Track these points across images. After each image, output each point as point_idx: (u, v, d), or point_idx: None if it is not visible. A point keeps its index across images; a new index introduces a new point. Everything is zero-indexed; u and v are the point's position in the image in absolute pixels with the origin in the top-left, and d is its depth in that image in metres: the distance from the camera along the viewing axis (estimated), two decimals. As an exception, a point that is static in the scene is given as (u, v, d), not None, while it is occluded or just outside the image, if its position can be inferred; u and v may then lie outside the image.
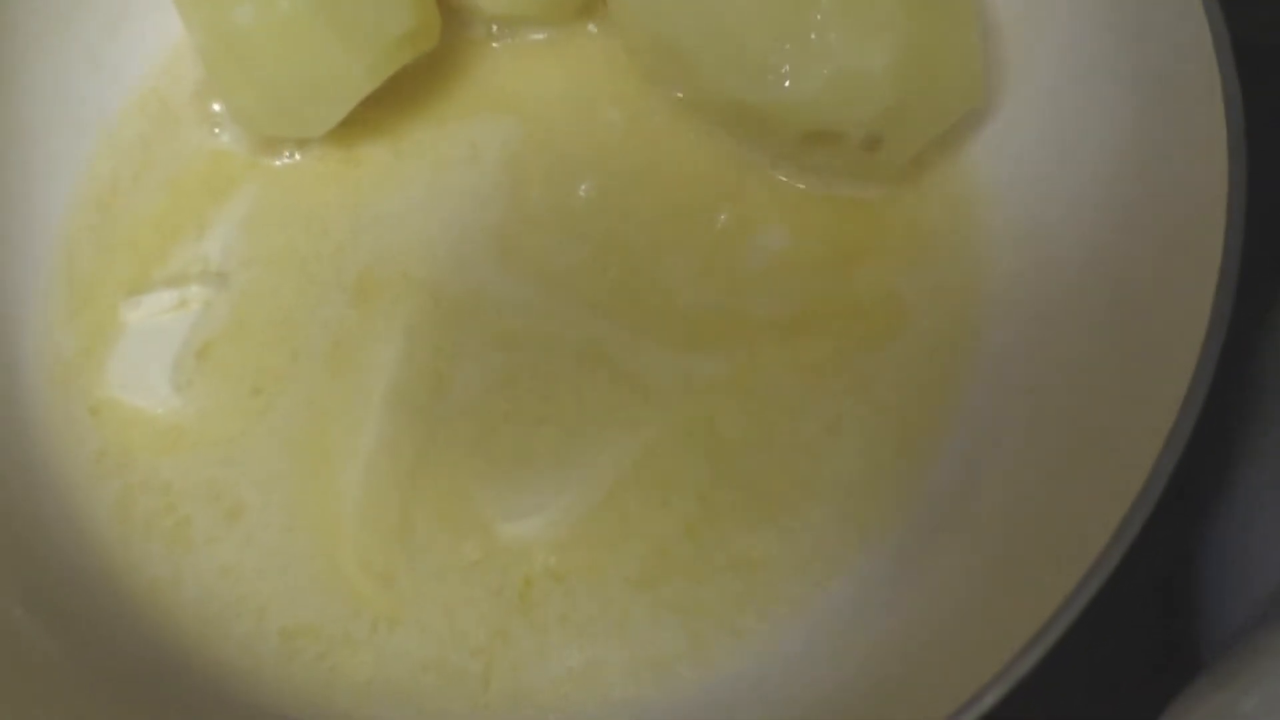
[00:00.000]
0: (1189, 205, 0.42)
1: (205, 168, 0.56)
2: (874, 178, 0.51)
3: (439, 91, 0.56)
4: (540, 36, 0.56)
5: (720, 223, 0.52)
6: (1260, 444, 0.41)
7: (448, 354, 0.51)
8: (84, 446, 0.51)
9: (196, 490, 0.50)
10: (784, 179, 0.52)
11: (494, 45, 0.56)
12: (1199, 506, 0.43)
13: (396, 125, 0.55)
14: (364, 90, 0.52)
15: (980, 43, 0.49)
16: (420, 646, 0.46)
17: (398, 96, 0.55)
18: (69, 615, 0.47)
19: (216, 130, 0.56)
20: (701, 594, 0.46)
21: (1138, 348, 0.42)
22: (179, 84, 0.58)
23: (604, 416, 0.49)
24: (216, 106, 0.56)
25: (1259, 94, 0.41)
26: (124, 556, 0.49)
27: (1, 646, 0.45)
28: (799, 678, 0.44)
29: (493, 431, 0.49)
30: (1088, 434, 0.42)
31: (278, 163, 0.56)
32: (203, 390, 0.52)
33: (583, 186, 0.53)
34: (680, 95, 0.53)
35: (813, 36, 0.47)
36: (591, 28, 0.56)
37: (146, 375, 0.52)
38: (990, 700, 0.34)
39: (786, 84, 0.47)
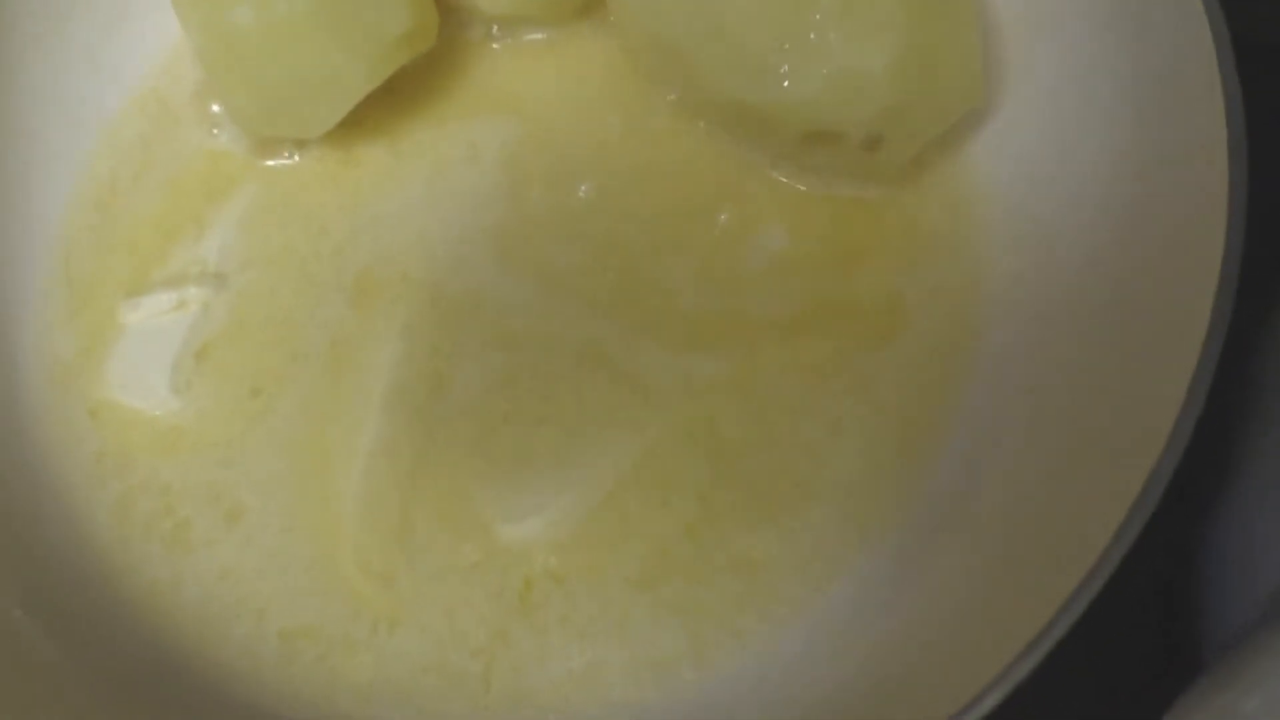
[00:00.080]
0: (1189, 205, 0.42)
1: (204, 168, 0.56)
2: (874, 178, 0.51)
3: (438, 92, 0.56)
4: (539, 37, 0.56)
5: (720, 223, 0.52)
6: (1261, 444, 0.41)
7: (447, 354, 0.51)
8: (83, 448, 0.51)
9: (196, 492, 0.50)
10: (784, 179, 0.52)
11: (493, 46, 0.56)
12: (1200, 507, 0.43)
13: (395, 126, 0.55)
14: (363, 91, 0.52)
15: (980, 43, 0.49)
16: (420, 648, 0.46)
17: (396, 97, 0.55)
18: (68, 617, 0.47)
19: (215, 131, 0.56)
20: (702, 595, 0.46)
21: (1138, 348, 0.42)
22: (178, 84, 0.58)
23: (604, 417, 0.49)
24: (215, 107, 0.56)
25: (1259, 93, 0.41)
26: (123, 558, 0.49)
27: (1, 647, 0.45)
28: (799, 679, 0.44)
29: (492, 432, 0.49)
30: (1088, 434, 0.42)
31: (276, 163, 0.56)
32: (202, 391, 0.52)
33: (582, 187, 0.53)
34: (680, 95, 0.53)
35: (812, 36, 0.47)
36: (591, 28, 0.56)
37: (146, 376, 0.52)
38: (992, 702, 0.34)
39: (786, 84, 0.47)
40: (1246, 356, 0.43)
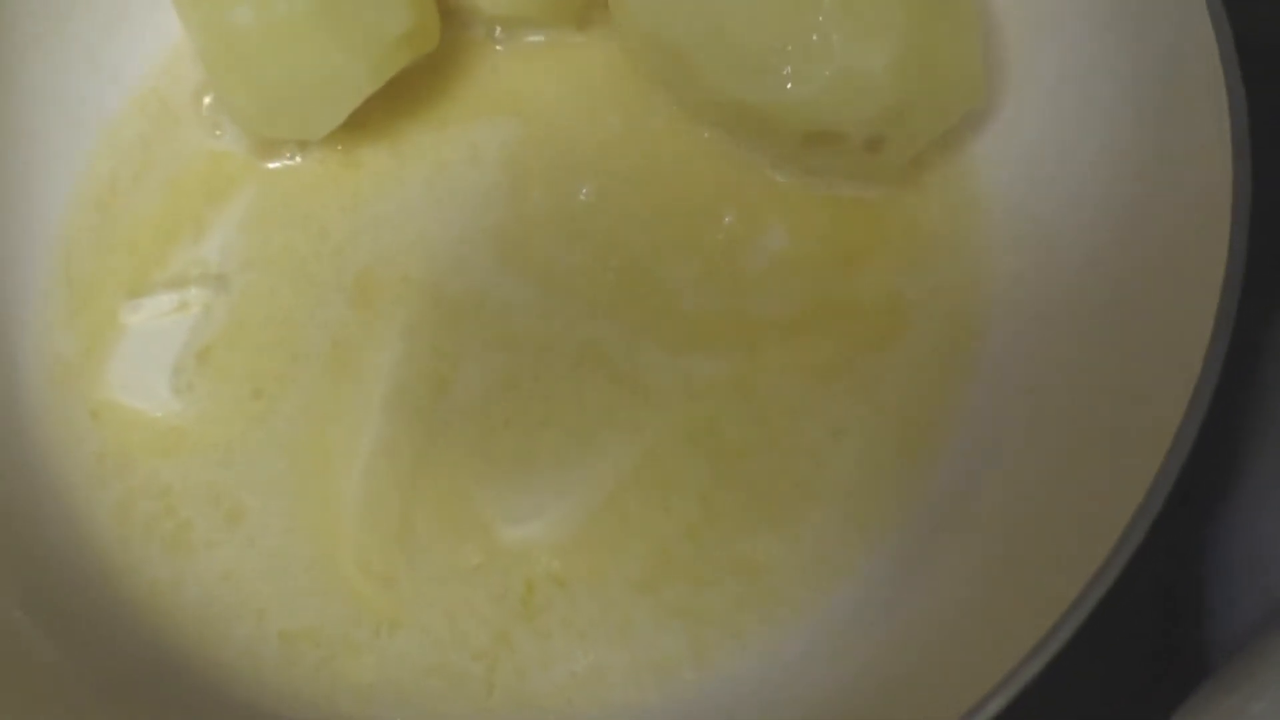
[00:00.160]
0: (1191, 205, 0.42)
1: (205, 169, 0.56)
2: (875, 178, 0.51)
3: (439, 93, 0.56)
4: (540, 38, 0.56)
5: (721, 224, 0.52)
6: (1265, 445, 0.41)
7: (448, 356, 0.51)
8: (84, 448, 0.51)
9: (196, 493, 0.50)
10: (785, 180, 0.52)
11: (495, 47, 0.56)
12: (1203, 508, 0.43)
13: (397, 127, 0.55)
14: (364, 92, 0.52)
15: (981, 43, 0.49)
16: (422, 650, 0.46)
17: (398, 98, 0.54)
18: (69, 617, 0.47)
19: (216, 132, 0.56)
20: (703, 597, 0.46)
21: (1141, 348, 0.42)
22: (179, 84, 0.57)
23: (605, 418, 0.49)
24: (216, 108, 0.56)
25: (1262, 92, 0.41)
26: (124, 559, 0.49)
27: (1, 648, 0.45)
28: (801, 681, 0.44)
29: (493, 433, 0.49)
30: (1091, 436, 0.42)
31: (277, 164, 0.55)
32: (203, 393, 0.51)
33: (583, 187, 0.53)
34: (681, 96, 0.53)
35: (814, 37, 0.46)
36: (592, 29, 0.56)
37: (147, 377, 0.52)
38: (995, 706, 0.34)
39: (788, 85, 0.47)
40: (1249, 357, 0.42)
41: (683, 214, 0.53)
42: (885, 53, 0.46)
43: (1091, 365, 0.44)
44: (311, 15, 0.50)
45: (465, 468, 0.49)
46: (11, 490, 0.50)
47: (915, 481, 0.47)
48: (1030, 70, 0.50)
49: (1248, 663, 0.34)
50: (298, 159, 0.55)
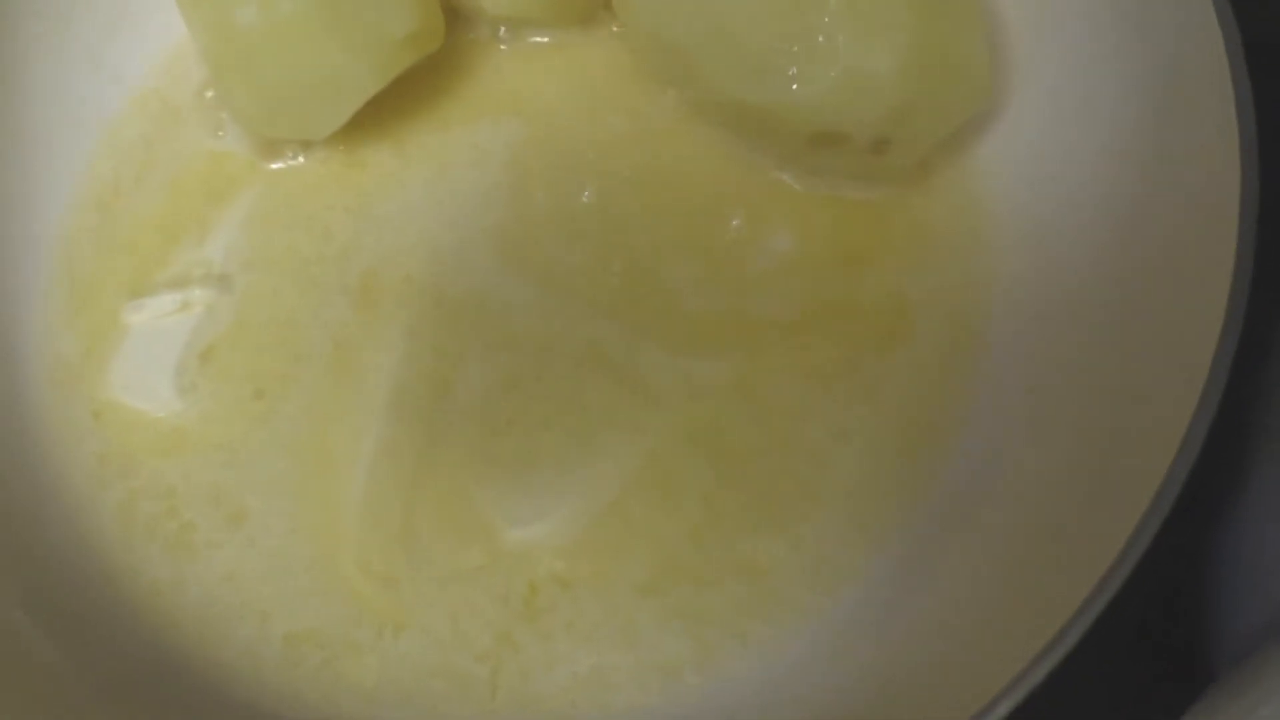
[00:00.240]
0: (1197, 204, 0.42)
1: (207, 169, 0.56)
2: (880, 179, 0.51)
3: (443, 94, 0.55)
4: (544, 39, 0.56)
5: (724, 224, 0.52)
6: (1272, 447, 0.41)
7: (451, 357, 0.51)
8: (86, 449, 0.51)
9: (199, 494, 0.50)
10: (789, 181, 0.52)
11: (499, 47, 0.56)
12: (1209, 510, 0.43)
13: (400, 128, 0.55)
14: (368, 92, 0.52)
15: (987, 44, 0.49)
16: (425, 652, 0.46)
17: (402, 99, 0.54)
18: (70, 619, 0.47)
19: (219, 132, 0.56)
20: (706, 599, 0.46)
21: (1147, 349, 0.42)
22: (181, 84, 0.57)
23: (608, 420, 0.49)
24: (219, 108, 0.56)
25: (1269, 92, 0.41)
26: (126, 560, 0.49)
27: (3, 650, 0.44)
28: (805, 684, 0.44)
29: (495, 434, 0.49)
30: (1097, 437, 0.42)
31: (280, 165, 0.55)
32: (205, 393, 0.51)
33: (586, 188, 0.53)
34: (685, 97, 0.53)
35: (820, 38, 0.46)
36: (596, 30, 0.56)
37: (149, 378, 0.52)
38: (1002, 710, 0.34)
39: (794, 86, 0.47)
40: (1256, 357, 0.42)
41: (686, 214, 0.52)
42: (891, 54, 0.46)
43: (1097, 366, 0.44)
44: (315, 15, 0.50)
45: (467, 469, 0.49)
46: (13, 491, 0.49)
47: (918, 483, 0.47)
48: (1034, 71, 0.50)
49: (1254, 667, 0.34)
50: (301, 159, 0.55)
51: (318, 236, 0.54)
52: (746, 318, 0.50)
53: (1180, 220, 0.43)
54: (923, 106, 0.48)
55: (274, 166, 0.55)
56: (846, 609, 0.45)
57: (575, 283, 0.52)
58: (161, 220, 0.55)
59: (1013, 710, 0.35)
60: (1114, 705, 0.44)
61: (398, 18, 0.51)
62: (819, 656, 0.45)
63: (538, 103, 0.55)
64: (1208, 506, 0.43)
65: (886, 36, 0.46)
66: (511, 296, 0.52)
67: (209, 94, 0.56)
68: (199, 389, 0.51)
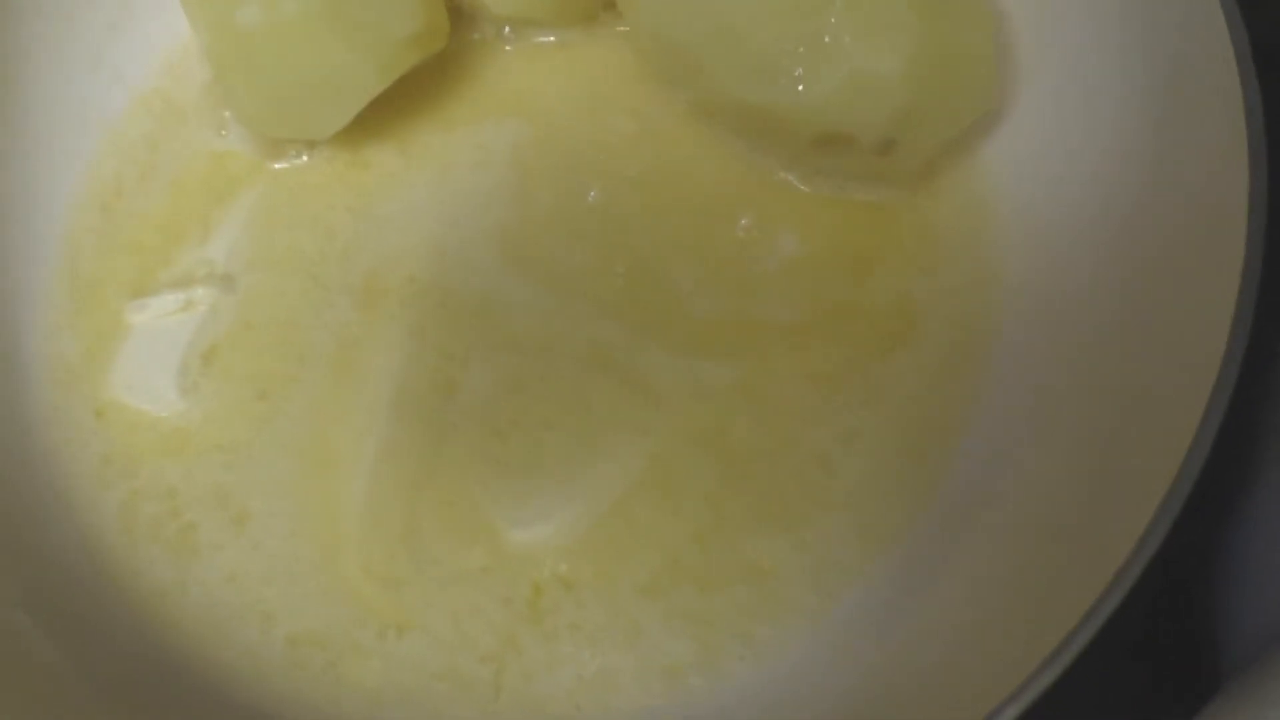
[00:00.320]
0: (1204, 206, 0.42)
1: (210, 169, 0.56)
2: (886, 181, 0.51)
3: (447, 94, 0.55)
4: (549, 38, 0.56)
5: (730, 226, 0.52)
6: (1280, 448, 0.41)
7: (454, 358, 0.51)
8: (88, 450, 0.51)
9: (202, 495, 0.50)
10: (795, 182, 0.52)
11: (504, 48, 0.56)
12: (1216, 512, 0.42)
13: (405, 128, 0.55)
14: (372, 92, 0.52)
15: (993, 45, 0.48)
16: (429, 654, 0.46)
17: (406, 99, 0.54)
18: (72, 620, 0.47)
19: (222, 131, 0.56)
20: (711, 602, 0.46)
21: (1155, 351, 0.42)
22: (184, 84, 0.57)
23: (613, 422, 0.49)
24: (223, 107, 0.56)
25: (1271, 95, 0.41)
26: (128, 561, 0.49)
27: (5, 651, 0.44)
28: (810, 687, 0.44)
29: (499, 436, 0.49)
30: (1106, 439, 0.42)
31: (284, 165, 0.55)
32: (208, 394, 0.51)
33: (591, 189, 0.53)
34: (691, 98, 0.53)
35: (826, 39, 0.46)
36: (601, 30, 0.55)
37: (152, 378, 0.52)
38: (1007, 717, 0.34)
39: (800, 87, 0.47)
40: (1265, 358, 0.42)
41: (690, 215, 0.52)
42: (898, 55, 0.46)
43: (1103, 367, 0.44)
44: (319, 15, 0.50)
45: (471, 470, 0.49)
46: (16, 491, 0.49)
47: (924, 485, 0.47)
48: (1039, 72, 0.50)
49: (1263, 671, 0.34)
50: (304, 159, 0.55)
51: (321, 236, 0.54)
52: (751, 319, 0.50)
53: (1187, 220, 0.42)
54: (929, 108, 0.47)
55: (277, 166, 0.55)
56: (851, 611, 0.45)
57: (579, 283, 0.51)
58: (164, 220, 0.55)
59: (1018, 716, 0.34)
60: (1121, 710, 0.44)
61: (401, 17, 0.51)
62: (823, 659, 0.44)
63: (542, 103, 0.55)
64: (1215, 508, 0.42)
65: (893, 38, 0.46)
66: (515, 297, 0.52)
67: (212, 94, 0.56)
68: (201, 389, 0.51)
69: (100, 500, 0.50)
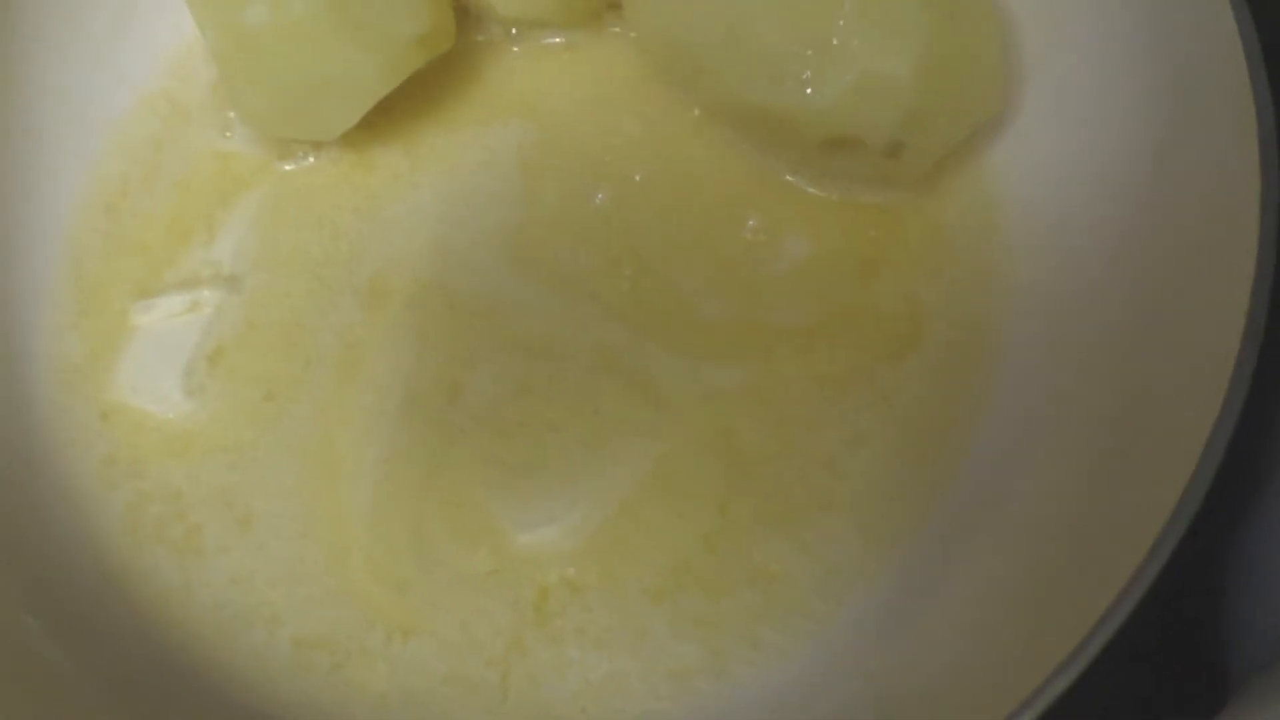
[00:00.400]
0: (1214, 207, 0.41)
1: (216, 170, 0.56)
2: (895, 184, 0.51)
3: (454, 95, 0.55)
4: (556, 40, 0.56)
5: (738, 228, 0.52)
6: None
7: (461, 360, 0.51)
8: (93, 451, 0.51)
9: (207, 497, 0.49)
10: (803, 185, 0.52)
11: (510, 49, 0.56)
12: (1228, 515, 0.42)
13: (411, 129, 0.55)
14: (379, 93, 0.52)
15: (1003, 48, 0.48)
16: (436, 657, 0.46)
17: (412, 100, 0.54)
18: (77, 621, 0.47)
19: (228, 133, 0.56)
20: (719, 606, 0.46)
21: (1167, 353, 0.42)
22: (190, 84, 0.57)
23: (619, 425, 0.49)
24: (228, 108, 0.56)
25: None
26: (134, 563, 0.49)
27: (9, 654, 0.44)
28: (818, 691, 0.44)
29: (506, 439, 0.49)
30: (1117, 442, 0.42)
31: (290, 165, 0.55)
32: (214, 395, 0.51)
33: (598, 191, 0.53)
34: (699, 100, 0.53)
35: (835, 42, 0.46)
36: (607, 31, 0.55)
37: (157, 379, 0.52)
38: (1021, 723, 0.34)
39: (808, 89, 0.47)
40: (1276, 358, 0.42)
41: (698, 218, 0.52)
42: (907, 58, 0.46)
43: (1114, 370, 0.44)
44: (326, 15, 0.49)
45: (477, 472, 0.49)
46: (20, 493, 0.49)
47: (934, 491, 0.47)
48: (1051, 74, 0.50)
49: (1273, 682, 0.34)
50: (311, 160, 0.55)
51: (327, 238, 0.54)
52: (759, 322, 0.50)
53: (1196, 222, 0.42)
54: (938, 111, 0.47)
55: (283, 167, 0.55)
56: (858, 615, 0.45)
57: (585, 285, 0.51)
58: (170, 221, 0.55)
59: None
60: (1129, 716, 0.44)
61: (408, 18, 0.51)
62: (831, 663, 0.44)
63: (548, 104, 0.55)
64: (1224, 510, 0.42)
65: (902, 41, 0.46)
66: (521, 299, 0.51)
67: (218, 94, 0.56)
68: (207, 390, 0.51)
69: (105, 501, 0.50)
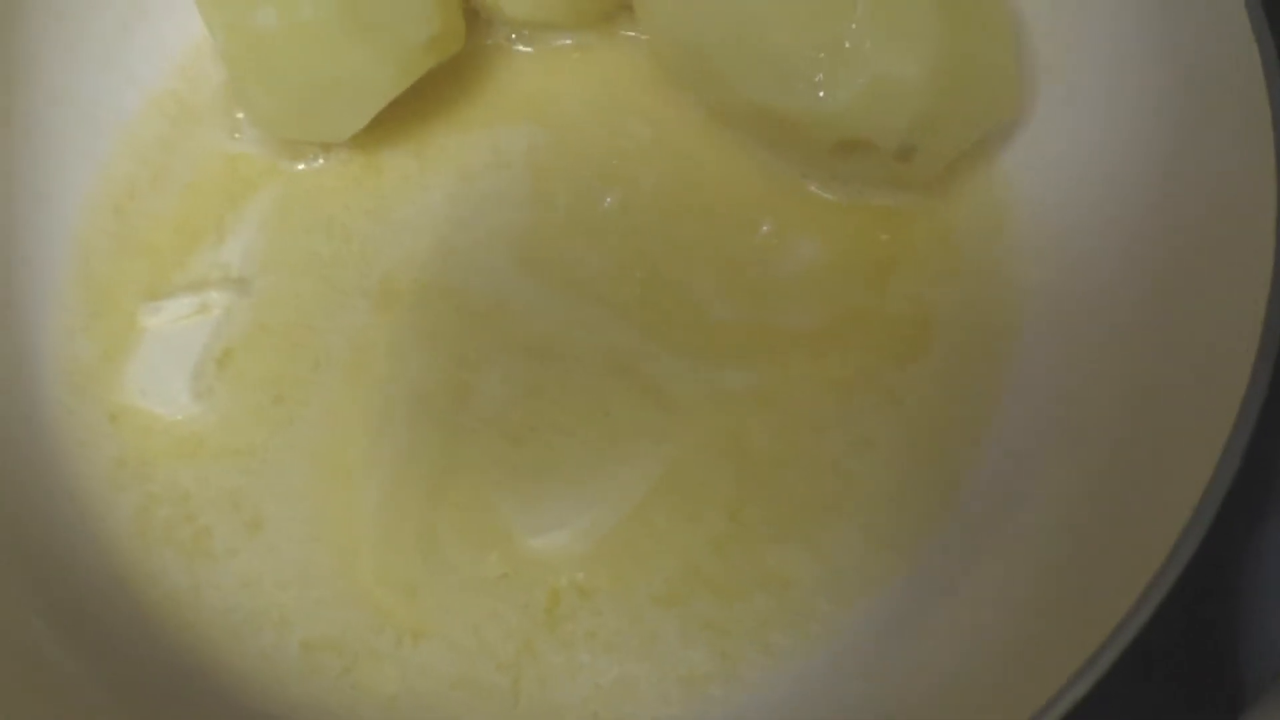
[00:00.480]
0: (1226, 211, 0.41)
1: (225, 171, 0.55)
2: (906, 187, 0.51)
3: (463, 97, 0.55)
4: (566, 42, 0.56)
5: (748, 231, 0.52)
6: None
7: (470, 363, 0.50)
8: (102, 453, 0.51)
9: (216, 499, 0.49)
10: (814, 188, 0.52)
11: (520, 51, 0.56)
12: (1242, 519, 0.42)
13: (420, 131, 0.55)
14: (388, 95, 0.52)
15: (1014, 51, 0.48)
16: (446, 661, 0.46)
17: (422, 102, 0.54)
18: (86, 623, 0.46)
19: (237, 134, 0.56)
20: (730, 611, 0.46)
21: (1180, 356, 0.41)
22: (199, 86, 0.57)
23: (629, 429, 0.49)
24: (237, 109, 0.56)
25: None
26: (143, 566, 0.49)
27: (18, 655, 0.44)
28: (829, 697, 0.44)
29: (516, 443, 0.49)
30: (1131, 446, 0.42)
31: (300, 167, 0.55)
32: (223, 398, 0.51)
33: (608, 194, 0.53)
34: (709, 102, 0.53)
35: (847, 44, 0.46)
36: (617, 33, 0.55)
37: (166, 382, 0.51)
38: (1037, 730, 0.33)
39: (820, 93, 0.47)
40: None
41: (708, 221, 0.52)
42: (920, 61, 0.45)
43: (1127, 373, 0.44)
44: (336, 18, 0.49)
45: (487, 476, 0.48)
46: (29, 495, 0.49)
47: (944, 493, 0.47)
48: (1063, 78, 0.50)
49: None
50: (320, 161, 0.55)
51: (336, 239, 0.53)
52: (769, 326, 0.50)
53: (1210, 225, 0.42)
54: (950, 114, 0.47)
55: (293, 169, 0.55)
56: (870, 621, 0.45)
57: (596, 289, 0.51)
58: (178, 222, 0.55)
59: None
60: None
61: (418, 21, 0.51)
62: (842, 669, 0.44)
63: (558, 107, 0.55)
64: (1241, 515, 0.42)
65: (914, 44, 0.46)
66: (532, 302, 0.51)
67: (227, 96, 0.56)
68: (216, 393, 0.51)
69: (114, 504, 0.50)
